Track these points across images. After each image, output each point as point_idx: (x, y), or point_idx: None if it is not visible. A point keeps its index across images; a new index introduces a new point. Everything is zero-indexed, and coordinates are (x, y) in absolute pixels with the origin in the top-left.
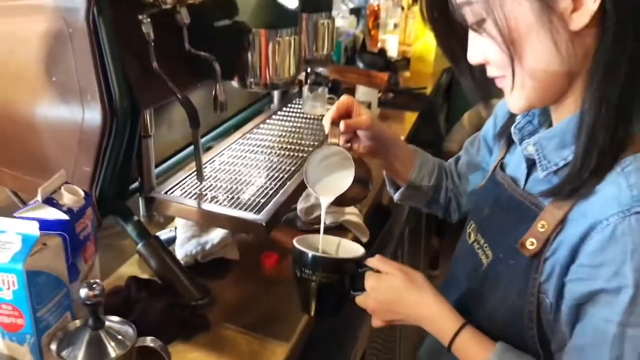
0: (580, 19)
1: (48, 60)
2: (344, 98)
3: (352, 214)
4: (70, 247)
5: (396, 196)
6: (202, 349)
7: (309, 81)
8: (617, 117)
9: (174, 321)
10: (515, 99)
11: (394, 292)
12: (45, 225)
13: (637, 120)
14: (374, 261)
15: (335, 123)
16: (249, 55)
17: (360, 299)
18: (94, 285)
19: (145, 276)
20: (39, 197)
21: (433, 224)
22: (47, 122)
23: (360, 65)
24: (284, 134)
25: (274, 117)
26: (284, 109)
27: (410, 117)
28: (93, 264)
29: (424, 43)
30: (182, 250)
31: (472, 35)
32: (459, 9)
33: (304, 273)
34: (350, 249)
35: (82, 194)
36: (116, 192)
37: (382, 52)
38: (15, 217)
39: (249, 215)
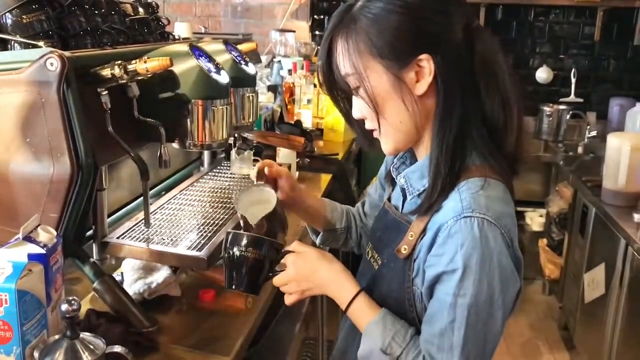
0: (421, 87)
1: (23, 125)
2: (266, 160)
3: None
4: (45, 277)
5: (318, 240)
6: None
7: (236, 145)
8: (454, 155)
9: (130, 343)
10: (384, 144)
11: (310, 263)
12: (28, 256)
13: (469, 156)
14: (293, 245)
15: (260, 173)
16: (188, 121)
17: (279, 277)
18: (72, 302)
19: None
20: (20, 235)
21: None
22: (21, 177)
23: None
24: (215, 190)
25: (205, 177)
26: (214, 170)
27: (325, 179)
28: (61, 294)
29: (334, 117)
30: (130, 290)
31: (354, 98)
32: (341, 80)
33: (231, 249)
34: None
35: (55, 233)
36: (75, 237)
37: (298, 122)
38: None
39: (193, 253)
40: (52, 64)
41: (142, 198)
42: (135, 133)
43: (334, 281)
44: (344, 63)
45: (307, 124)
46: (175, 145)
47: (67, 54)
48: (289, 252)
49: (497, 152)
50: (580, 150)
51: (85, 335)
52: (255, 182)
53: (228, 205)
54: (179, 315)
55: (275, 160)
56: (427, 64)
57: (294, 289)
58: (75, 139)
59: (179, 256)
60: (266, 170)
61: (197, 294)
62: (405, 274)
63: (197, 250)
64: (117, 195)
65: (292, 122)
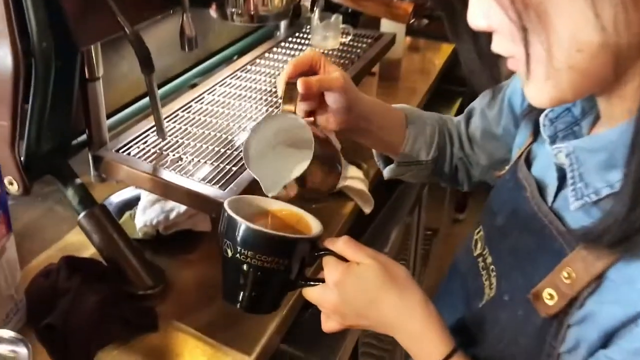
0: None
1: None
2: (308, 51)
3: (355, 178)
4: None
5: (386, 173)
6: (143, 356)
7: (317, 7)
8: None
9: (112, 320)
10: (534, 89)
11: (367, 289)
12: None
13: None
14: (339, 244)
15: (291, 83)
16: None
17: (315, 294)
18: None
19: (89, 252)
20: None
21: None
22: None
23: None
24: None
25: (275, 49)
26: (290, 39)
27: (446, 49)
28: (4, 247)
29: None
30: (140, 219)
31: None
32: None
33: (235, 251)
34: (305, 224)
35: None
36: (52, 149)
37: None
38: None
39: (210, 191)
40: None
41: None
42: None
43: (410, 328)
44: None
45: None
46: (212, 13)
47: None
48: (329, 252)
49: None
50: None
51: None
52: (281, 107)
53: None
54: (199, 266)
55: (379, 24)
56: None
57: (333, 325)
58: (23, 12)
59: (191, 194)
60: (300, 85)
61: None
62: (546, 342)
63: (219, 187)
64: (130, 83)
65: None
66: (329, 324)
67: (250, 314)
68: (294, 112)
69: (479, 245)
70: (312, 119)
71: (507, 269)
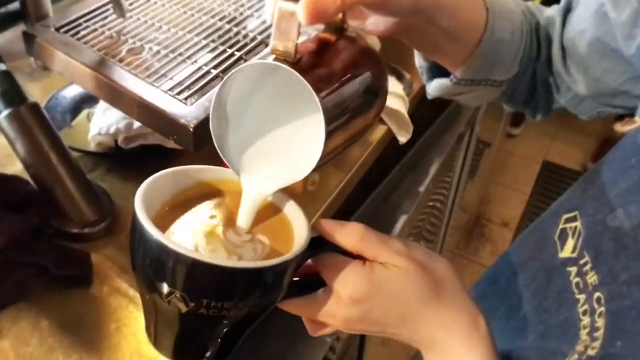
0: None
1: None
2: None
3: (392, 95)
4: None
5: (433, 90)
6: (62, 322)
7: None
8: None
9: (23, 267)
10: None
11: (400, 303)
12: None
13: None
14: (351, 238)
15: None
16: None
17: (314, 309)
18: None
19: (15, 168)
20: None
21: None
22: None
23: None
24: None
25: None
26: None
27: None
28: None
29: None
30: (98, 123)
31: None
32: None
33: (163, 294)
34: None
35: None
36: None
37: None
38: None
39: (172, 105)
40: None
41: None
42: None
43: (449, 350)
44: None
45: None
46: None
47: None
48: (336, 249)
49: None
50: None
51: None
52: (271, 41)
53: None
54: None
55: None
56: None
57: (329, 330)
58: None
59: (146, 107)
60: (304, 10)
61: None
62: None
63: (184, 101)
64: None
65: None
66: (325, 331)
67: None
68: (293, 53)
69: (569, 243)
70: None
71: (634, 314)
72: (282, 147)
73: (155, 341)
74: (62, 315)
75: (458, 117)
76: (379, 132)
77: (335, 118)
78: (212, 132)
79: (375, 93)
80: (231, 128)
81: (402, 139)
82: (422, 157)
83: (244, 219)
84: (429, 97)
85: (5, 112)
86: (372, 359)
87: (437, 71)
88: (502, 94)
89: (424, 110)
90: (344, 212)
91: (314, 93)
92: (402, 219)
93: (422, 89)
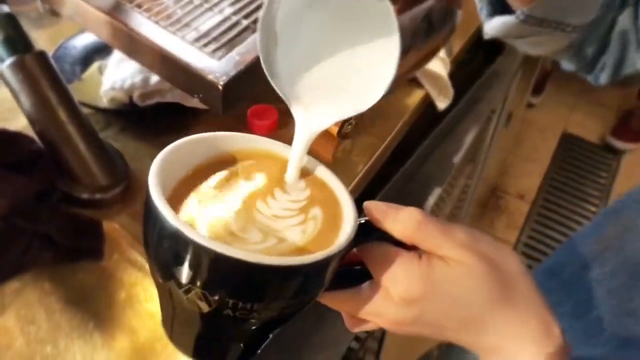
0: None
1: None
2: None
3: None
4: None
5: (492, 29)
6: (70, 298)
7: None
8: None
9: (26, 237)
10: None
11: (464, 305)
12: None
13: None
14: (408, 226)
15: None
16: None
17: (359, 305)
18: None
19: (20, 123)
20: None
21: None
22: None
23: None
24: None
25: None
26: None
27: None
28: None
29: None
30: (112, 77)
31: None
32: None
33: (182, 286)
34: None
35: None
36: None
37: None
38: None
39: (197, 57)
40: None
41: None
42: None
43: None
44: None
45: None
46: None
47: None
48: (384, 236)
49: None
50: None
51: None
52: None
53: None
54: None
55: None
56: None
57: (371, 326)
58: None
59: (169, 60)
60: None
61: (242, 112)
62: None
63: (210, 52)
64: None
65: None
66: (366, 326)
67: None
68: None
69: None
70: None
71: None
72: (343, 71)
73: (172, 337)
74: (70, 290)
75: (495, 84)
76: (416, 96)
77: (411, 37)
78: (259, 52)
79: (450, 12)
80: (280, 49)
81: (441, 104)
82: (456, 126)
83: (294, 166)
84: (486, 37)
85: (9, 61)
86: (393, 343)
87: (500, 6)
88: (568, 45)
89: (461, 76)
90: (373, 185)
91: (390, 6)
92: (436, 192)
93: (460, 52)
